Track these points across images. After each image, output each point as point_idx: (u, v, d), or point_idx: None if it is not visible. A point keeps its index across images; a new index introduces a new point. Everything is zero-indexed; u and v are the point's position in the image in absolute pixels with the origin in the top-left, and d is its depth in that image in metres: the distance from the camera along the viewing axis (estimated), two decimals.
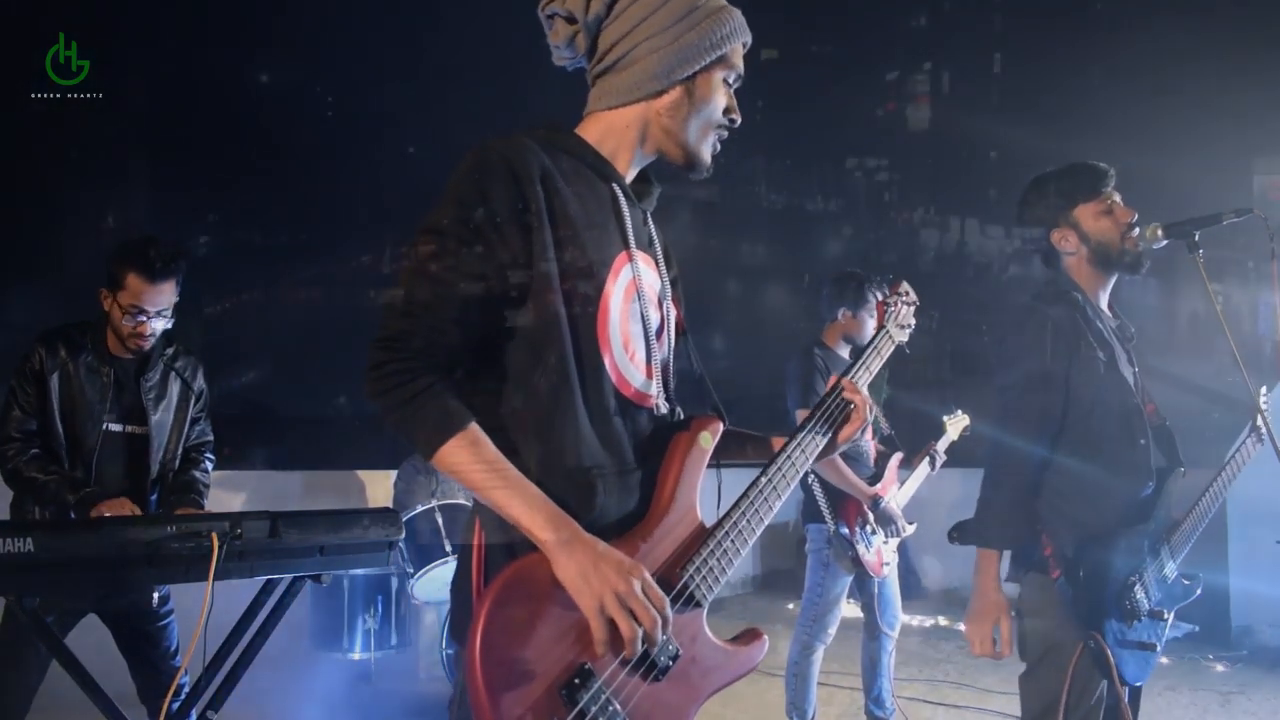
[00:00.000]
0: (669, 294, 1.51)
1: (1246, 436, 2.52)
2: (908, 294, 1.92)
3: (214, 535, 2.09)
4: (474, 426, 1.26)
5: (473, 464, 1.24)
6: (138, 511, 2.63)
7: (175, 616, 2.85)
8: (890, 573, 3.70)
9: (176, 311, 2.80)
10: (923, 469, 3.89)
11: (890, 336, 1.83)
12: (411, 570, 3.98)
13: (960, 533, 2.34)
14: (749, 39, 1.49)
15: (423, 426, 1.24)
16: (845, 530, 3.54)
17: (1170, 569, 2.24)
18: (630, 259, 1.41)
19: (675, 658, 1.31)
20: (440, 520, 3.99)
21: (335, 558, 2.34)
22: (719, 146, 1.50)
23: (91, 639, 2.70)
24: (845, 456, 3.54)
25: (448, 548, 3.92)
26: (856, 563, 3.55)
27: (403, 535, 2.48)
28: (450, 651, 4.00)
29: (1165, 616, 2.19)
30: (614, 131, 1.45)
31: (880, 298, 1.92)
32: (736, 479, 1.48)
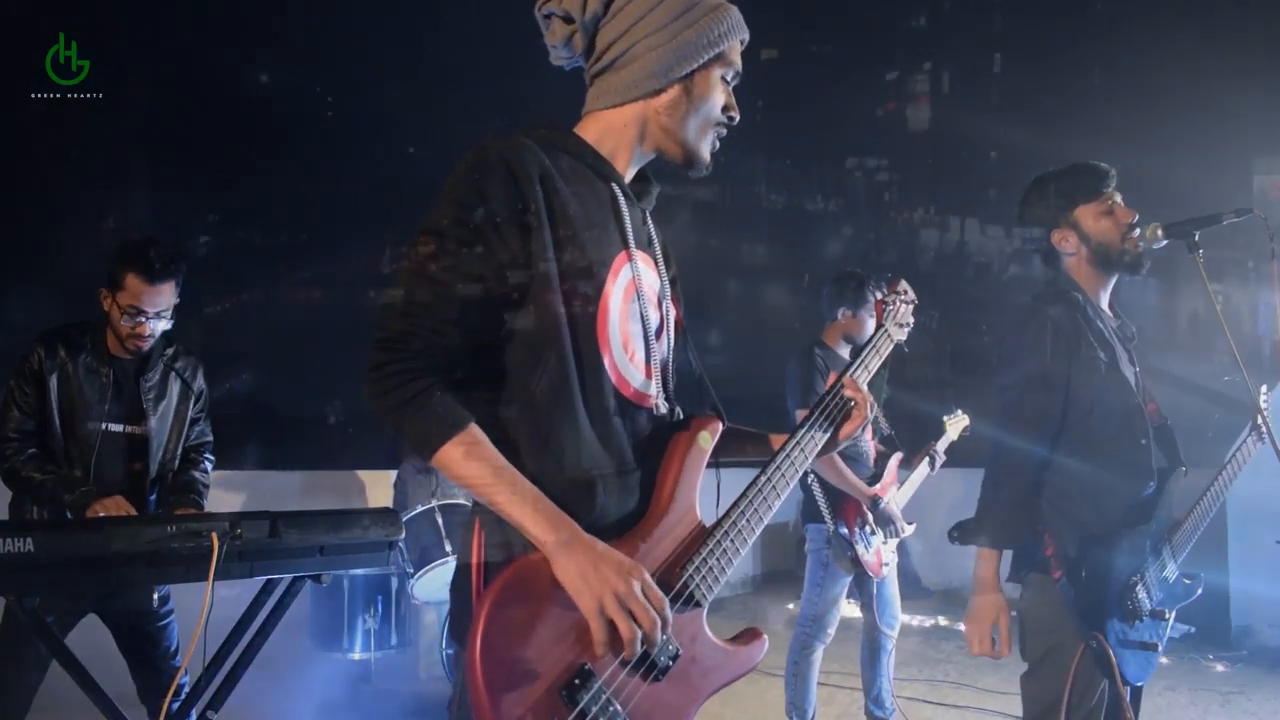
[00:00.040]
0: (668, 293, 1.51)
1: (1247, 436, 2.52)
2: (906, 293, 1.92)
3: (214, 535, 2.09)
4: (473, 427, 1.26)
5: (472, 465, 1.24)
6: (133, 510, 2.62)
7: (175, 616, 2.85)
8: (889, 573, 3.70)
9: (176, 313, 2.80)
10: (922, 469, 3.90)
11: (889, 335, 1.83)
12: (411, 570, 3.98)
13: (960, 532, 2.34)
14: (747, 36, 1.49)
15: (422, 427, 1.24)
16: (844, 530, 3.54)
17: (1172, 569, 2.24)
18: (630, 259, 1.41)
19: (675, 658, 1.31)
20: (440, 520, 3.99)
21: (335, 558, 2.34)
22: (718, 144, 1.50)
23: (91, 639, 2.70)
24: (845, 457, 3.54)
25: (448, 548, 3.93)
26: (856, 563, 3.55)
27: (403, 535, 2.48)
28: (450, 651, 4.00)
29: (1167, 616, 2.19)
30: (613, 131, 1.45)
31: (879, 297, 1.92)
32: (736, 478, 1.48)
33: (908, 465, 3.84)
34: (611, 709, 1.24)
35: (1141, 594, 2.13)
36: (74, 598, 2.66)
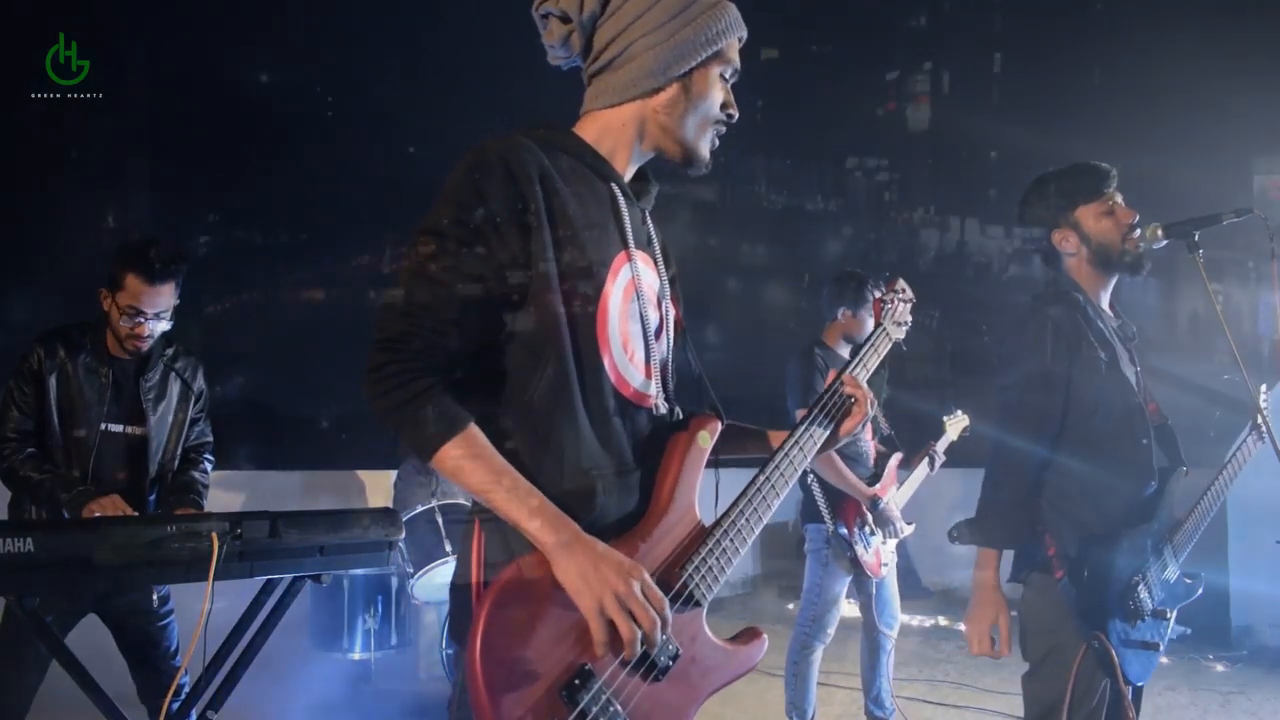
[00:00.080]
0: (668, 293, 1.50)
1: (1247, 435, 2.52)
2: (904, 291, 1.92)
3: (214, 535, 2.09)
4: (473, 428, 1.26)
5: (472, 465, 1.24)
6: (128, 509, 2.62)
7: (175, 616, 2.85)
8: (888, 573, 3.70)
9: (177, 313, 2.80)
10: (922, 469, 3.90)
11: (887, 334, 1.83)
12: (411, 570, 3.98)
13: (960, 532, 2.34)
14: (745, 33, 1.49)
15: (422, 428, 1.24)
16: (844, 530, 3.54)
17: (1173, 568, 2.24)
18: (629, 259, 1.41)
19: (675, 658, 1.31)
20: (440, 520, 3.99)
21: (335, 558, 2.34)
22: (717, 142, 1.50)
23: (91, 639, 2.70)
24: (845, 457, 3.54)
25: (448, 548, 3.93)
26: (855, 563, 3.55)
27: (403, 535, 2.48)
28: (450, 651, 4.00)
29: (1168, 616, 2.19)
30: (611, 130, 1.45)
31: (878, 296, 1.92)
32: (735, 478, 1.48)
33: (907, 465, 3.84)
34: (612, 709, 1.24)
35: (1143, 594, 2.13)
36: (74, 598, 2.66)
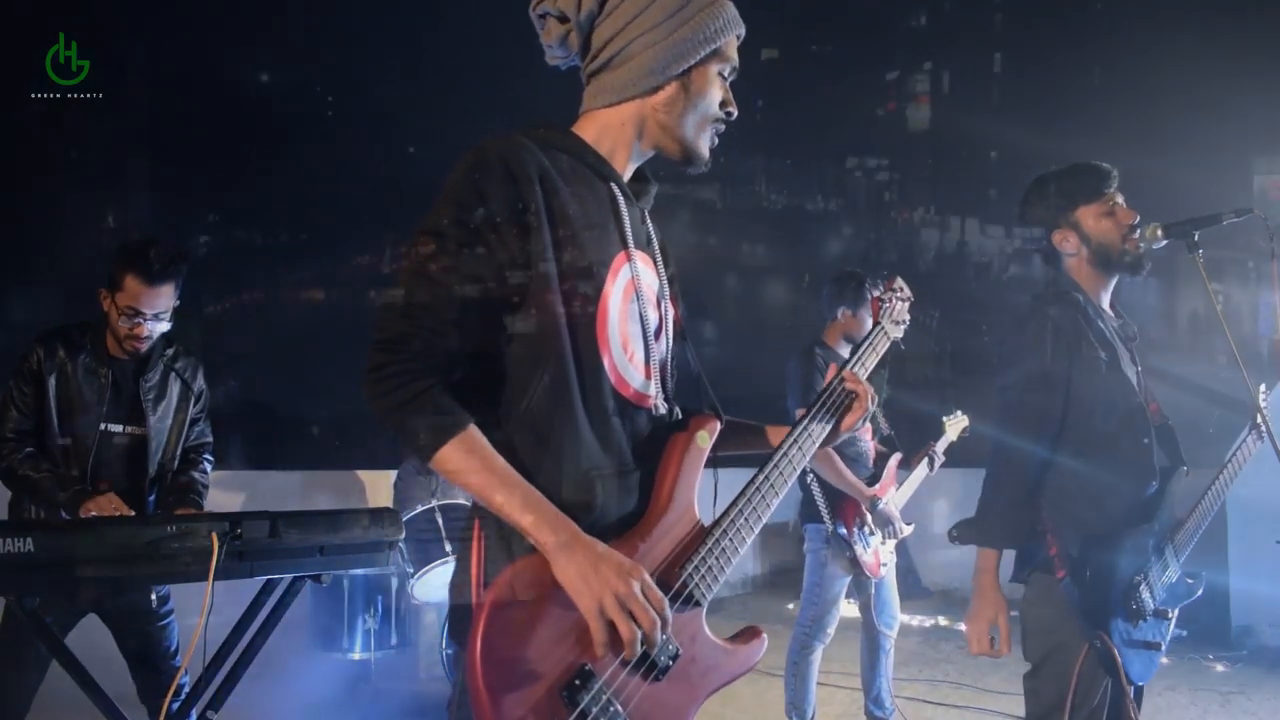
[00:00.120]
0: (667, 293, 1.50)
1: (1247, 435, 2.52)
2: (902, 290, 1.92)
3: (214, 535, 2.09)
4: (472, 429, 1.26)
5: (471, 466, 1.24)
6: (124, 508, 2.62)
7: (175, 616, 2.85)
8: (888, 573, 3.70)
9: (176, 314, 2.80)
10: (921, 470, 3.90)
11: (885, 333, 1.83)
12: (411, 570, 3.98)
13: (960, 532, 2.35)
14: (743, 31, 1.48)
15: (421, 429, 1.24)
16: (843, 531, 3.54)
17: (1174, 568, 2.24)
18: (629, 259, 1.41)
19: (675, 657, 1.31)
20: (440, 520, 3.99)
21: (335, 558, 2.34)
22: (716, 141, 1.50)
23: (91, 639, 2.71)
24: (844, 457, 3.54)
25: (448, 548, 3.93)
26: (854, 563, 3.55)
27: (403, 535, 2.48)
28: (450, 651, 4.00)
29: (1170, 615, 2.20)
30: (610, 130, 1.45)
31: (876, 295, 1.92)
32: (734, 478, 1.48)
33: (907, 466, 3.84)
34: (612, 709, 1.24)
35: (1145, 593, 2.13)
36: (74, 598, 2.65)
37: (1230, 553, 5.90)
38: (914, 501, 3.83)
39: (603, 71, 1.44)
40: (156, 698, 2.63)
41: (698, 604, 1.36)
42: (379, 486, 5.56)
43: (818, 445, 1.56)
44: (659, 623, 1.24)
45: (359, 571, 4.01)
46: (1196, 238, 2.19)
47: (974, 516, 2.22)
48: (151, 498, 2.82)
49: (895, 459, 3.75)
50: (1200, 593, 2.30)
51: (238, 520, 2.16)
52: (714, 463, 1.45)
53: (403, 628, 4.33)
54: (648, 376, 1.43)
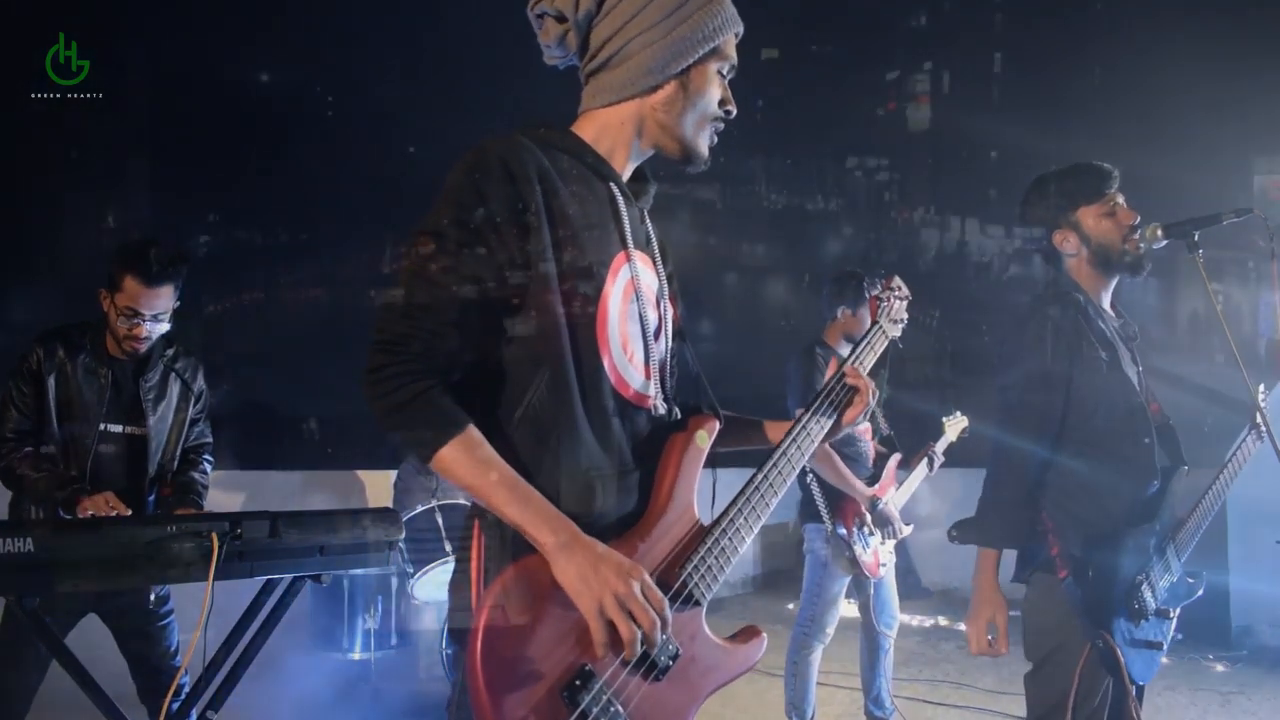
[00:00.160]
0: (666, 293, 1.50)
1: (1246, 435, 2.52)
2: (900, 288, 1.92)
3: (214, 535, 2.09)
4: (472, 429, 1.25)
5: (471, 467, 1.24)
6: (121, 506, 2.63)
7: (175, 616, 2.85)
8: (887, 574, 3.70)
9: (176, 315, 2.80)
10: (920, 470, 3.90)
11: (883, 331, 1.83)
12: (411, 570, 3.98)
13: (960, 531, 2.35)
14: (741, 29, 1.48)
15: (421, 430, 1.24)
16: (843, 531, 3.54)
17: (1176, 567, 2.24)
18: (628, 259, 1.41)
19: (675, 657, 1.31)
20: (440, 520, 3.99)
21: (335, 558, 2.34)
22: (716, 139, 1.50)
23: (91, 639, 2.71)
24: (844, 457, 3.54)
25: (448, 548, 3.93)
26: (853, 563, 3.55)
27: (403, 535, 2.49)
28: (450, 651, 4.00)
29: (1171, 615, 2.20)
30: (610, 129, 1.45)
31: (874, 293, 1.92)
32: (733, 477, 1.48)
33: (906, 466, 3.85)
34: (612, 709, 1.24)
35: (1147, 593, 2.13)
36: (74, 598, 2.66)
37: (1230, 553, 5.89)
38: (914, 501, 3.83)
39: (601, 71, 1.44)
40: (156, 698, 2.63)
41: (697, 603, 1.36)
42: (379, 486, 5.56)
43: (819, 441, 1.56)
44: (659, 623, 1.24)
45: (359, 571, 4.01)
46: (1196, 238, 2.20)
47: (974, 516, 2.23)
48: (151, 498, 2.82)
49: (895, 459, 3.75)
50: (1201, 592, 2.30)
51: (238, 520, 2.16)
52: (713, 462, 1.46)
53: (403, 628, 4.33)
54: (647, 377, 1.43)
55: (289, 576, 2.38)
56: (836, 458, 3.48)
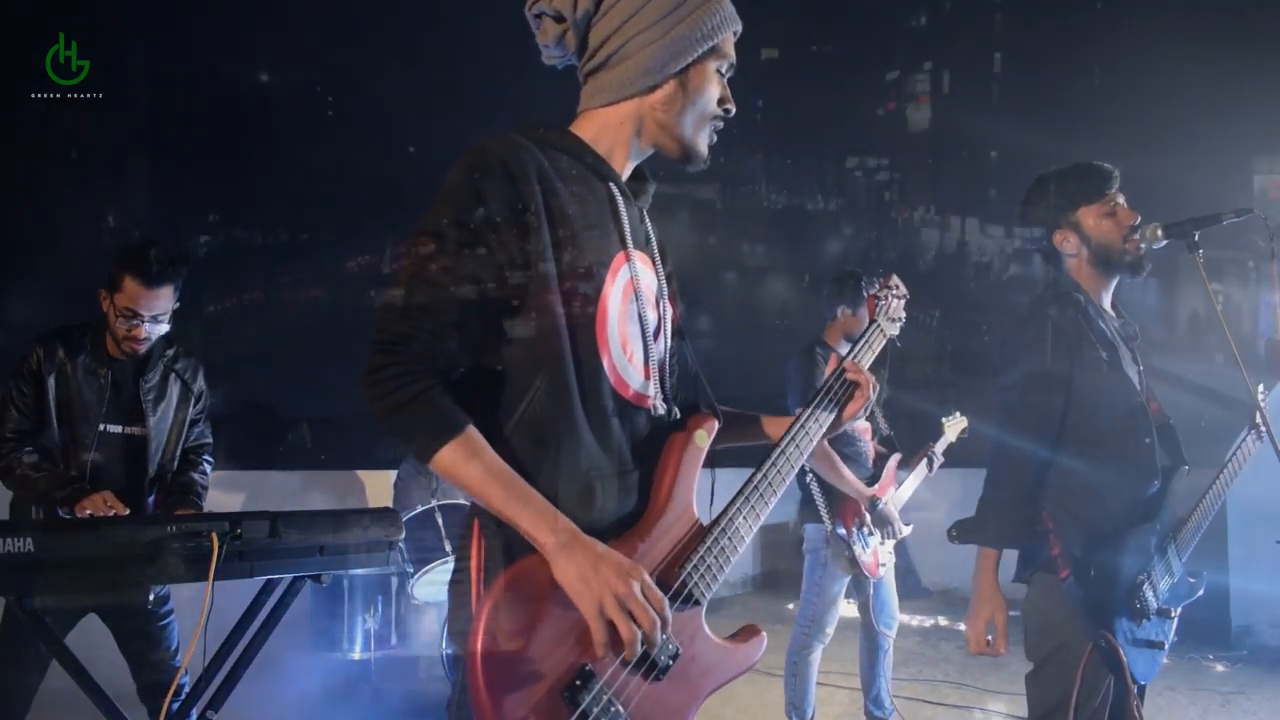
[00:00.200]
0: (665, 292, 1.50)
1: (1246, 434, 2.52)
2: (897, 287, 1.92)
3: (214, 535, 2.09)
4: (471, 430, 1.25)
5: (471, 467, 1.24)
6: (119, 505, 2.63)
7: (175, 616, 2.85)
8: (886, 573, 3.70)
9: (176, 317, 2.80)
10: (920, 470, 3.90)
11: (881, 330, 1.84)
12: (411, 570, 3.98)
13: (959, 531, 2.35)
14: (739, 27, 1.48)
15: (420, 430, 1.24)
16: (842, 531, 3.54)
17: (1177, 567, 2.25)
18: (628, 259, 1.41)
19: (675, 657, 1.31)
20: (440, 520, 3.99)
21: (335, 558, 2.34)
22: (715, 138, 1.50)
23: (91, 639, 2.71)
24: (843, 457, 3.54)
25: (448, 548, 3.93)
26: (853, 563, 3.56)
27: (403, 535, 2.49)
28: (450, 651, 4.00)
29: (1173, 614, 2.20)
30: (609, 129, 1.44)
31: (871, 292, 1.92)
32: (732, 477, 1.48)
33: (906, 466, 3.85)
34: (613, 709, 1.24)
35: (1148, 592, 2.14)
36: (74, 598, 2.66)
37: (1230, 553, 5.89)
38: (914, 501, 3.83)
39: (600, 71, 1.44)
40: (156, 698, 2.63)
41: (697, 603, 1.36)
42: (379, 486, 5.56)
43: (820, 437, 1.56)
44: (659, 623, 1.24)
45: (359, 571, 4.01)
46: (1196, 238, 2.20)
47: (974, 516, 2.23)
48: (151, 498, 2.82)
49: (894, 459, 3.75)
50: (1202, 592, 2.30)
51: (238, 520, 2.16)
52: (712, 461, 1.46)
53: (403, 628, 4.33)
54: (647, 377, 1.43)
55: (289, 576, 2.38)
56: (836, 457, 3.48)
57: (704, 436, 1.44)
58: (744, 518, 1.42)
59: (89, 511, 2.56)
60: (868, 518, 3.57)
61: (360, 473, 5.77)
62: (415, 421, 1.24)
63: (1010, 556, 2.22)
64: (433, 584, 4.00)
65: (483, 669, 1.16)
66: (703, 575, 1.36)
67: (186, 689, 2.46)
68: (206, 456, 2.99)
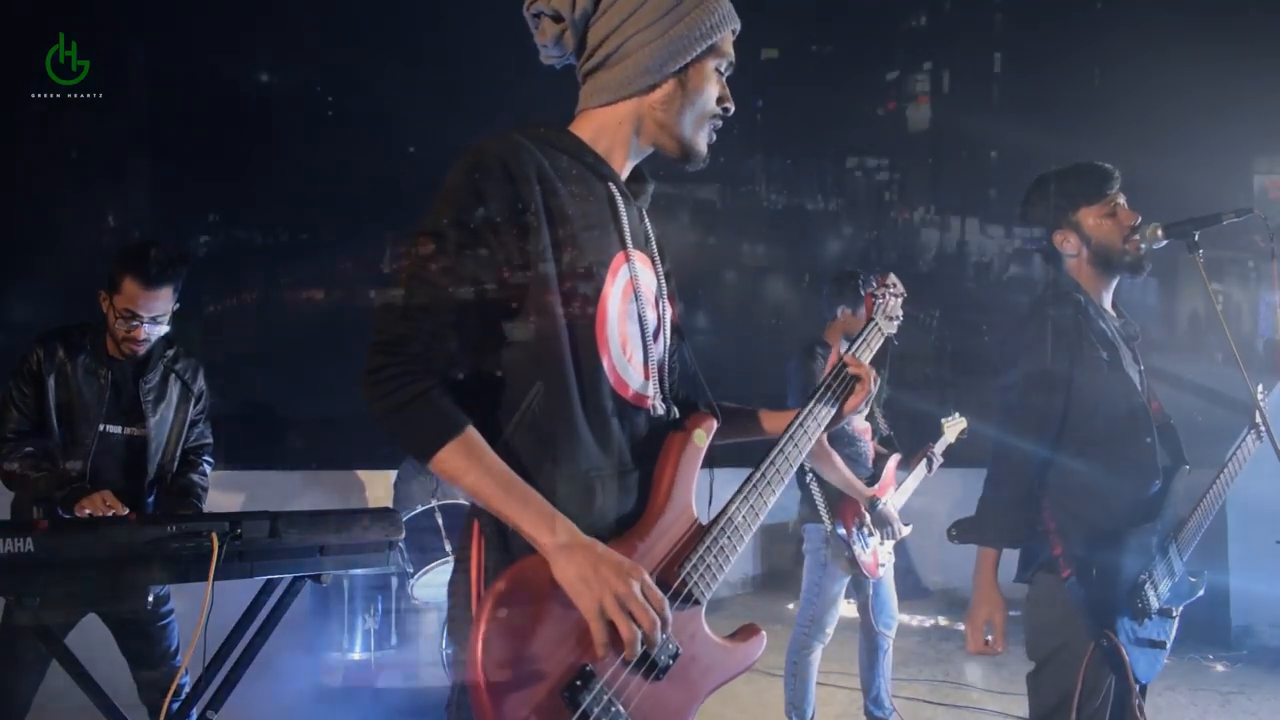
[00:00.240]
0: (665, 292, 1.50)
1: (1246, 434, 2.52)
2: (895, 285, 1.92)
3: (214, 535, 2.10)
4: (471, 431, 1.25)
5: (470, 468, 1.24)
6: (118, 505, 2.63)
7: (175, 616, 2.85)
8: (886, 574, 3.71)
9: (176, 317, 2.80)
10: (920, 471, 3.90)
11: (879, 328, 1.84)
12: (411, 570, 3.98)
13: (959, 530, 2.35)
14: (738, 26, 1.48)
15: (420, 431, 1.24)
16: (842, 531, 3.54)
17: (1178, 567, 2.25)
18: (628, 259, 1.41)
19: (675, 656, 1.31)
20: (440, 520, 3.99)
21: (335, 558, 2.35)
22: (714, 136, 1.50)
23: (91, 639, 2.70)
24: (843, 457, 3.54)
25: (448, 548, 3.93)
26: (853, 563, 3.56)
27: (403, 535, 2.49)
28: (450, 651, 4.00)
29: (1174, 614, 2.20)
30: (608, 129, 1.44)
31: (869, 291, 1.92)
32: (730, 477, 1.48)
33: (905, 467, 3.85)
34: (613, 709, 1.24)
35: (1150, 592, 2.14)
36: (74, 598, 2.65)
37: (1230, 553, 5.89)
38: (914, 501, 3.83)
39: (599, 70, 1.44)
40: (157, 698, 2.63)
41: (697, 602, 1.36)
42: (379, 486, 5.56)
43: (819, 432, 1.56)
44: (659, 622, 1.24)
45: (359, 571, 4.01)
46: (1196, 238, 2.19)
47: (974, 516, 2.23)
48: (151, 499, 2.82)
49: (894, 460, 3.75)
50: (1202, 592, 2.30)
51: (238, 520, 2.16)
52: (711, 460, 1.46)
53: (403, 628, 4.33)
54: (646, 377, 1.43)
55: (289, 576, 2.38)
56: (836, 457, 3.48)
57: (702, 436, 1.44)
58: (743, 516, 1.42)
59: (88, 511, 2.56)
60: (867, 518, 3.57)
61: (360, 473, 5.77)
62: (415, 422, 1.24)
63: (1011, 556, 2.22)
64: (433, 584, 4.00)
65: (483, 669, 1.16)
66: (702, 575, 1.36)
67: (186, 689, 2.46)
68: (206, 457, 2.99)
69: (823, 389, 1.59)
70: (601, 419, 1.35)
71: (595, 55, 1.43)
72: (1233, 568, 5.83)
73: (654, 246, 1.52)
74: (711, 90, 1.45)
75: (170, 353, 2.86)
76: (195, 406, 2.93)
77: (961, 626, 2.34)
